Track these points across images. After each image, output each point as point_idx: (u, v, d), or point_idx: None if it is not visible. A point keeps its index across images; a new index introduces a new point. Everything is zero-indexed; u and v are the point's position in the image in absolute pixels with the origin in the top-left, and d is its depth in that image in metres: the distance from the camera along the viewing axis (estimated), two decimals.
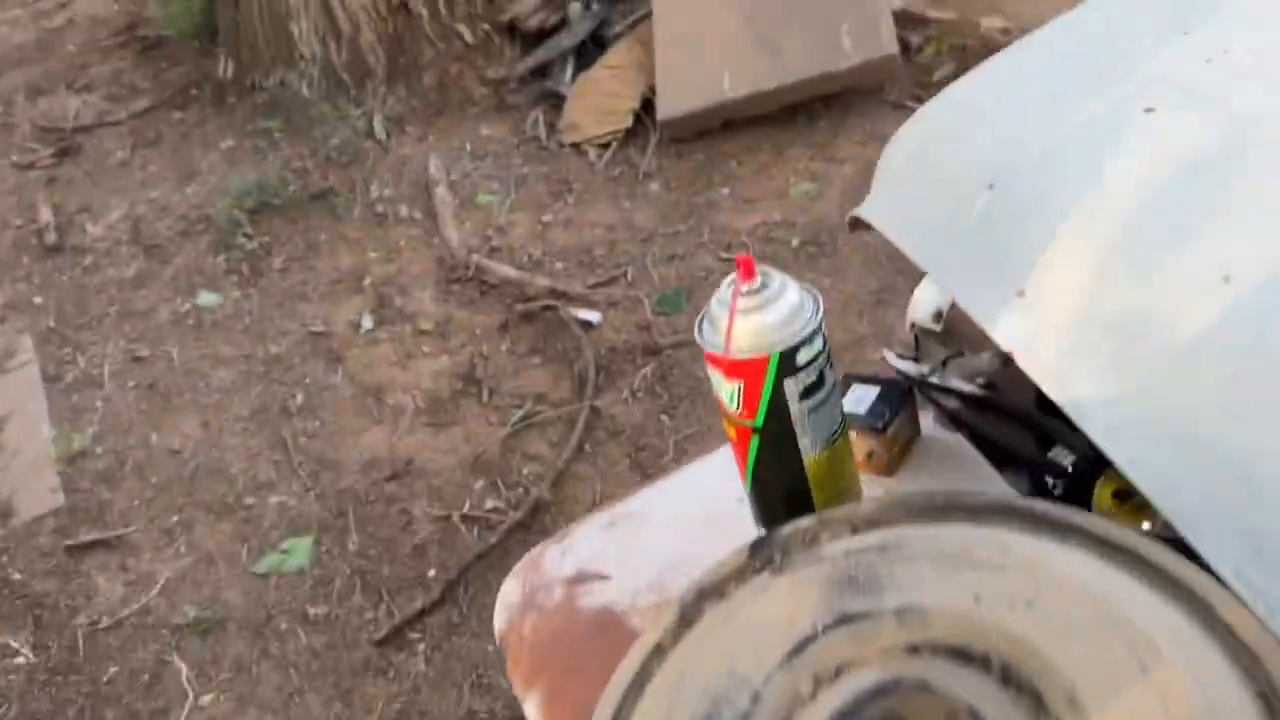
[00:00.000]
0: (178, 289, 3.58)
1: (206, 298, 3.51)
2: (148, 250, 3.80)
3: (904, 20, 3.70)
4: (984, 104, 1.03)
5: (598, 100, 3.85)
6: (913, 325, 1.21)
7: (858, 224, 1.06)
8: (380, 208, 3.75)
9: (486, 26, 4.31)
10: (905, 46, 3.62)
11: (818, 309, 0.86)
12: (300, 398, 3.03)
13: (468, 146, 3.99)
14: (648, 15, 4.08)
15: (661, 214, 3.40)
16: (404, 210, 3.72)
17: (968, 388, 1.07)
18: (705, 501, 1.03)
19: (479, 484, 2.65)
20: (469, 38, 4.28)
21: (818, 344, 0.87)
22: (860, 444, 1.02)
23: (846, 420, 0.95)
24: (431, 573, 2.46)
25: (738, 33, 3.70)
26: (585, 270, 3.25)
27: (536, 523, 2.50)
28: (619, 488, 2.54)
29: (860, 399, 1.05)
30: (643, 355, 2.87)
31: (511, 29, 4.31)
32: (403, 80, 4.26)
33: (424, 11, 4.23)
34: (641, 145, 3.71)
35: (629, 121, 3.75)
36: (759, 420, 0.89)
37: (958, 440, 1.03)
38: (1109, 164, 0.86)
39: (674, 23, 3.83)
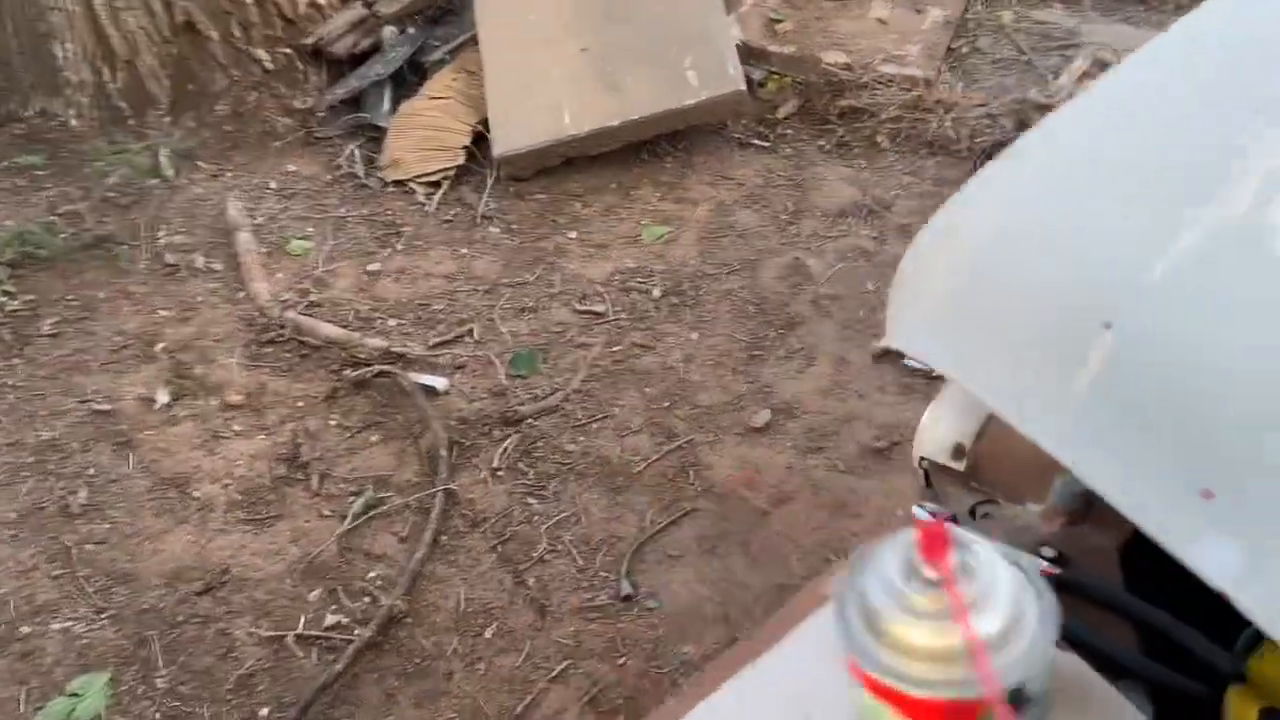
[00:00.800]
0: None
1: None
2: None
3: (743, 55, 3.54)
4: (1050, 202, 0.80)
5: (423, 134, 3.50)
6: (922, 460, 0.97)
7: (887, 354, 0.81)
8: (171, 258, 3.25)
9: (288, 50, 3.85)
10: (747, 82, 3.46)
11: (1044, 599, 0.56)
12: (83, 494, 2.53)
13: (272, 185, 3.54)
14: (470, 41, 3.76)
15: (505, 261, 3.08)
16: (200, 260, 3.24)
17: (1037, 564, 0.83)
18: None
19: (315, 594, 2.25)
20: (268, 63, 3.82)
21: (1050, 653, 0.57)
22: None
23: None
24: (264, 712, 2.05)
25: (574, 66, 3.44)
26: (424, 328, 2.89)
27: (391, 641, 2.13)
28: (485, 589, 2.21)
29: None
30: (501, 426, 2.55)
31: (317, 54, 3.88)
32: (191, 110, 3.76)
33: (214, 33, 3.74)
34: (476, 184, 3.38)
35: (461, 158, 3.41)
36: None
37: (1072, 662, 0.77)
38: (1269, 301, 0.65)
39: (503, 53, 3.53)
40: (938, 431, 0.96)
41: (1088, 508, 0.86)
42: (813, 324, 2.72)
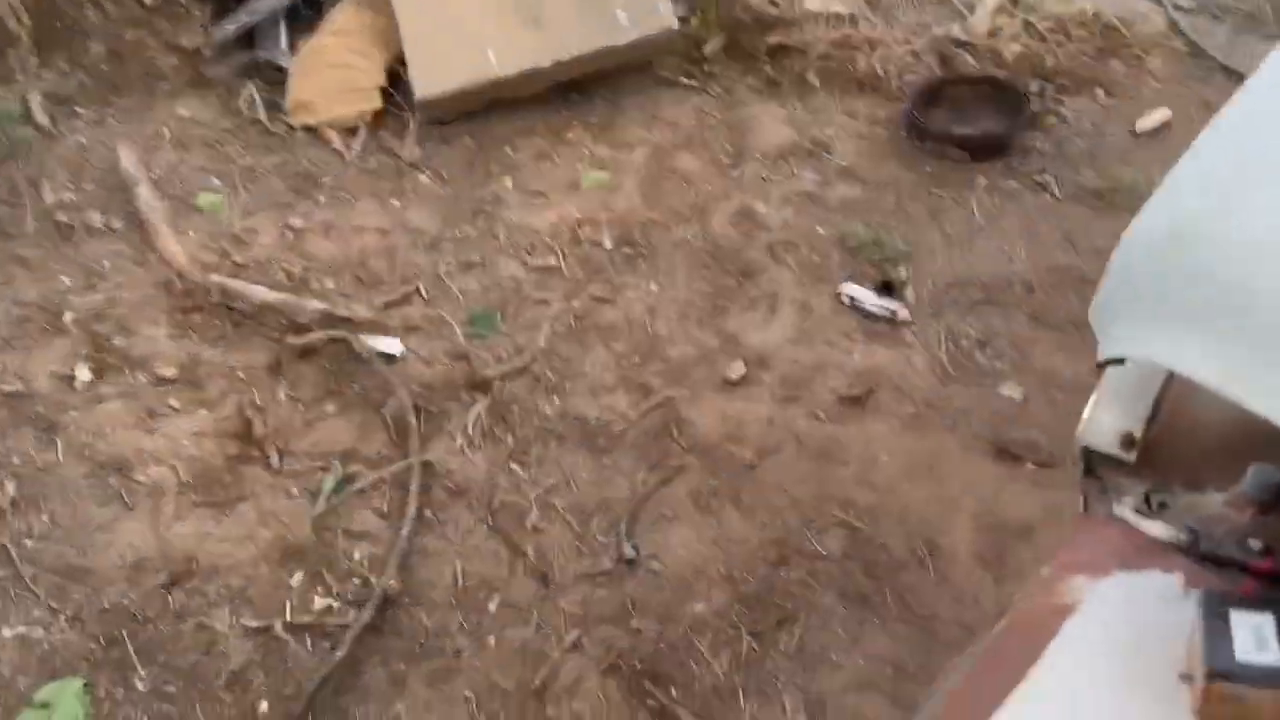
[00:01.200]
0: None
1: None
2: None
3: None
4: None
5: (332, 74, 3.28)
6: (1085, 449, 0.99)
7: (1112, 362, 0.81)
8: (63, 216, 2.97)
9: None
10: None
11: None
12: (12, 487, 2.32)
13: (165, 132, 3.26)
14: None
15: (442, 213, 2.95)
16: (97, 219, 2.97)
17: (1249, 558, 0.86)
18: None
19: (297, 579, 2.15)
20: None
21: None
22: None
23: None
24: (264, 707, 1.95)
25: (493, 1, 3.28)
26: (366, 288, 2.75)
27: (389, 622, 2.06)
28: (481, 562, 2.15)
29: (1259, 637, 0.78)
30: (469, 391, 2.46)
31: None
32: (62, 50, 3.40)
33: None
34: (396, 129, 3.21)
35: (378, 101, 3.22)
36: None
37: None
38: None
39: None
40: (1105, 421, 0.97)
41: None
42: (771, 271, 2.73)
